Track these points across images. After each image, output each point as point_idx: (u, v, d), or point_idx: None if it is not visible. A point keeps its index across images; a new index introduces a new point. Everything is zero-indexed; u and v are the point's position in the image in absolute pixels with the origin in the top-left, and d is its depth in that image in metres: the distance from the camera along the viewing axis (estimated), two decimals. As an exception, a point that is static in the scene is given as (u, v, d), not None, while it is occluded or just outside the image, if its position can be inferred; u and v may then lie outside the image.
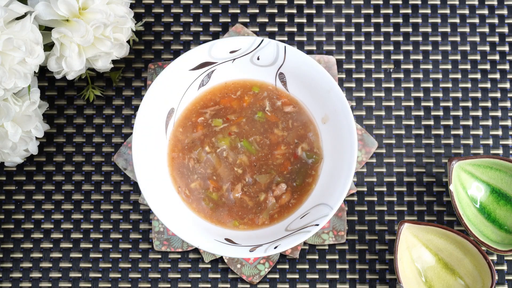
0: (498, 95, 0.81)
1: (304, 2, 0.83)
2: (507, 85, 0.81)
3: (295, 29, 0.82)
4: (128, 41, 0.76)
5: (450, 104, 0.81)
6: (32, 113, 0.72)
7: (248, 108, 0.76)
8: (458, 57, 0.82)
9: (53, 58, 0.71)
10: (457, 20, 0.82)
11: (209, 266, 0.77)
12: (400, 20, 0.82)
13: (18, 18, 0.68)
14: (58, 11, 0.68)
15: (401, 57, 0.82)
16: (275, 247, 0.70)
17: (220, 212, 0.74)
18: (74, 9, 0.69)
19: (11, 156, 0.73)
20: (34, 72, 0.71)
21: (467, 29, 0.82)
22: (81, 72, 0.73)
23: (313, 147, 0.75)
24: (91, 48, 0.71)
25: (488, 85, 0.81)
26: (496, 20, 0.82)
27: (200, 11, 0.83)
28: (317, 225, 0.70)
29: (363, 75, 0.81)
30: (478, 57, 0.82)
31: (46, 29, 0.72)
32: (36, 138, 0.77)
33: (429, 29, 0.82)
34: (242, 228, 0.74)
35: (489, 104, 0.81)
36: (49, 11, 0.68)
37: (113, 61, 0.81)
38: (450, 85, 0.81)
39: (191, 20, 0.82)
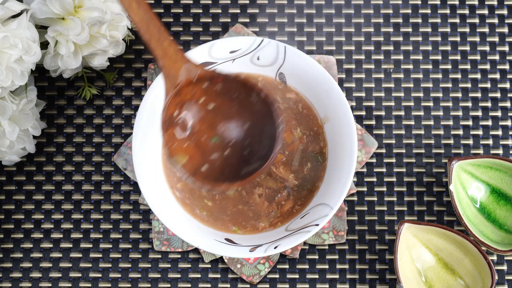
0: (498, 95, 0.81)
1: (304, 2, 0.83)
2: (507, 85, 0.81)
3: (295, 29, 0.82)
4: (124, 39, 0.76)
5: (450, 104, 0.81)
6: (29, 111, 0.72)
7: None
8: (458, 57, 0.82)
9: (49, 57, 0.71)
10: (457, 20, 0.82)
11: (209, 266, 0.77)
12: (400, 20, 0.82)
13: (14, 16, 0.69)
14: (53, 9, 0.68)
15: (401, 57, 0.82)
16: (275, 247, 0.70)
17: (220, 218, 0.74)
18: (69, 7, 0.69)
19: (9, 154, 0.73)
20: (31, 70, 0.71)
21: (467, 29, 0.82)
22: (77, 70, 0.73)
23: (322, 147, 0.75)
24: (87, 46, 0.71)
25: (488, 85, 0.81)
26: (496, 20, 0.82)
27: (200, 11, 0.83)
28: (317, 225, 0.70)
29: (363, 75, 0.81)
30: (478, 57, 0.82)
31: (41, 28, 0.72)
32: (34, 136, 0.77)
33: (429, 29, 0.82)
34: (242, 233, 0.74)
35: (489, 104, 0.81)
36: (44, 9, 0.68)
37: (114, 61, 0.81)
38: (450, 85, 0.81)
39: (191, 20, 0.82)
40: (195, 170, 0.63)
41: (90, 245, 0.78)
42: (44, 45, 0.72)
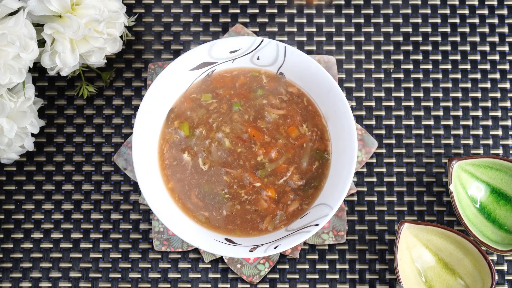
0: (498, 95, 0.81)
1: (304, 2, 0.83)
2: (507, 85, 0.81)
3: (295, 29, 0.82)
4: (121, 37, 0.76)
5: (450, 104, 0.81)
6: (27, 109, 0.72)
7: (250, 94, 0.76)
8: (458, 57, 0.82)
9: (47, 54, 0.71)
10: (457, 20, 0.82)
11: (209, 266, 0.77)
12: (400, 20, 0.82)
13: (11, 14, 0.69)
14: (50, 6, 0.68)
15: (401, 57, 0.82)
16: (275, 247, 0.69)
17: (220, 219, 0.74)
18: (66, 4, 0.69)
19: (7, 152, 0.73)
20: (29, 68, 0.71)
21: (467, 29, 0.82)
22: (75, 68, 0.73)
23: (326, 146, 0.75)
24: (84, 44, 0.71)
25: (488, 85, 0.81)
26: (496, 20, 0.82)
27: (200, 11, 0.83)
28: (317, 225, 0.70)
29: (363, 75, 0.81)
30: (478, 57, 0.82)
31: (38, 26, 0.72)
32: (32, 134, 0.77)
33: (429, 29, 0.82)
34: (243, 234, 0.73)
35: (489, 104, 0.81)
36: (41, 7, 0.68)
37: (114, 61, 0.81)
38: (450, 85, 0.81)
39: (191, 20, 0.82)
40: None
41: (90, 245, 0.78)
42: (41, 43, 0.72)
